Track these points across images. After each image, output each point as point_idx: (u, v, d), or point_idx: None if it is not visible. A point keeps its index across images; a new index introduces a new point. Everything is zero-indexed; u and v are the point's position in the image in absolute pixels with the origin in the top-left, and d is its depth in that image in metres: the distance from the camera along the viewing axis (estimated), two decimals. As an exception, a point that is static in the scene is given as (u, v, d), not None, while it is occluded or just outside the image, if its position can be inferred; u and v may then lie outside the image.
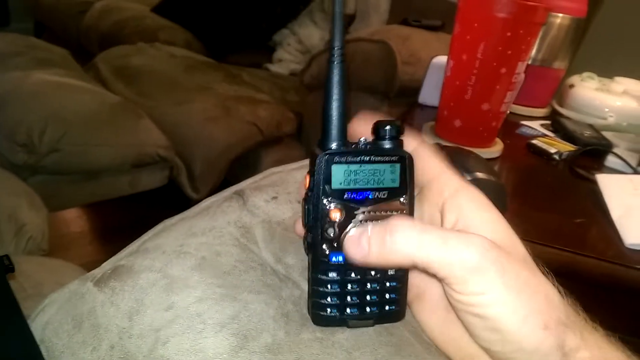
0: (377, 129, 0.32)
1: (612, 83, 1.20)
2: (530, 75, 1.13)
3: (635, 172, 0.91)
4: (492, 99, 0.86)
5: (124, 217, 1.74)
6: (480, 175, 0.68)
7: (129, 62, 1.86)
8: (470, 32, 0.83)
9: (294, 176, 0.48)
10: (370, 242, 0.30)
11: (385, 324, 0.35)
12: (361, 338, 0.33)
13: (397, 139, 0.32)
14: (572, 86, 1.22)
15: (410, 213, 0.33)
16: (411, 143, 0.34)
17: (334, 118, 0.32)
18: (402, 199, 0.32)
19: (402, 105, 1.42)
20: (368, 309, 0.33)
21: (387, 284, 0.33)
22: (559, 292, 0.31)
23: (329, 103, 0.32)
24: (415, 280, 0.35)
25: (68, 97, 1.39)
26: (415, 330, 0.36)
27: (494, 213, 0.32)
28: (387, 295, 0.33)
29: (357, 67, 1.48)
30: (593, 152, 0.98)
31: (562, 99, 1.25)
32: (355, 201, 0.31)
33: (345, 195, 0.31)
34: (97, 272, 0.38)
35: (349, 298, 0.33)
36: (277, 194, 0.45)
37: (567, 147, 0.99)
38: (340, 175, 0.31)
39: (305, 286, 0.36)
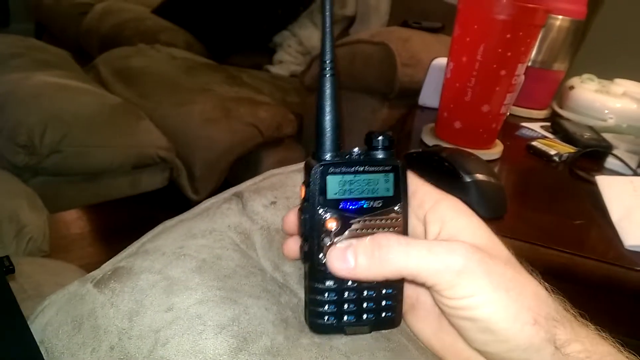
0: (369, 140, 0.33)
1: (612, 85, 1.21)
2: (530, 77, 1.13)
3: (635, 173, 0.91)
4: (492, 100, 0.86)
5: (124, 219, 1.74)
6: (480, 176, 0.68)
7: (129, 64, 1.86)
8: (470, 34, 0.83)
9: (294, 179, 0.48)
10: (357, 256, 0.31)
11: (383, 330, 0.35)
12: (359, 343, 0.34)
13: (389, 149, 0.33)
14: (572, 88, 1.22)
15: (405, 221, 0.33)
16: None
17: (327, 130, 0.33)
18: (396, 208, 0.33)
19: (402, 107, 1.42)
20: (365, 316, 0.33)
21: (384, 291, 0.33)
22: (546, 289, 0.31)
23: (322, 115, 0.33)
24: (407, 292, 0.36)
25: (68, 98, 1.39)
26: (411, 336, 0.37)
27: (474, 219, 0.33)
28: (383, 302, 0.34)
29: (357, 68, 1.48)
30: (593, 153, 0.98)
31: (562, 100, 1.25)
32: (350, 210, 0.32)
33: (341, 205, 0.32)
34: (97, 273, 0.38)
35: (345, 306, 0.33)
36: (275, 199, 0.45)
37: (567, 149, 0.99)
38: (335, 185, 0.32)
39: (302, 295, 0.36)
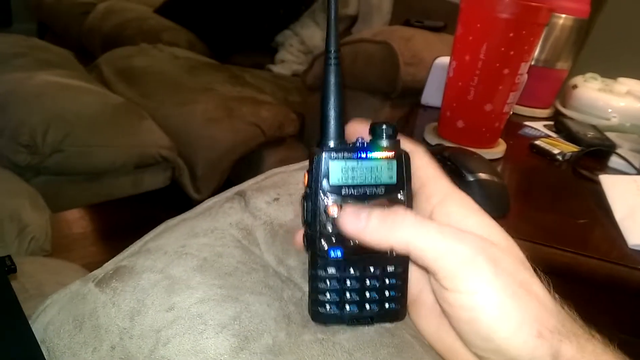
0: (373, 129, 0.33)
1: (616, 84, 1.20)
2: (533, 76, 1.12)
3: (639, 172, 0.90)
4: (494, 99, 0.85)
5: (127, 218, 1.74)
6: (482, 176, 0.68)
7: (131, 63, 1.86)
8: (472, 33, 0.83)
9: (296, 177, 0.48)
10: (369, 219, 0.30)
11: (387, 325, 0.35)
12: (362, 339, 0.33)
13: (393, 138, 0.33)
14: (575, 87, 1.21)
15: (409, 209, 0.33)
16: (406, 147, 0.34)
17: (331, 118, 0.33)
18: (399, 195, 0.32)
19: (405, 106, 1.42)
20: (367, 306, 0.33)
21: (387, 281, 0.33)
22: (555, 298, 0.30)
23: (326, 104, 0.33)
24: (411, 285, 0.35)
25: (71, 98, 1.39)
26: (416, 332, 0.36)
27: (486, 217, 0.32)
28: (386, 293, 0.33)
29: (359, 67, 1.48)
30: (596, 152, 0.97)
31: (565, 99, 1.24)
32: (352, 197, 0.32)
33: (343, 192, 0.32)
34: (99, 272, 0.38)
35: (348, 295, 0.33)
36: (278, 195, 0.45)
37: (570, 148, 0.98)
38: (337, 171, 0.32)
39: (307, 288, 0.35)
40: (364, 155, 0.32)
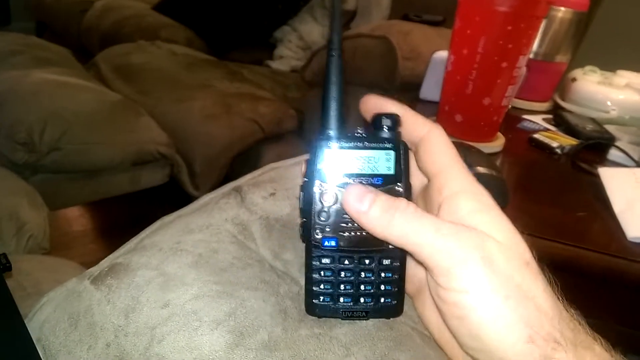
0: (374, 120, 0.33)
1: (615, 76, 1.20)
2: (532, 69, 1.12)
3: (638, 165, 0.90)
4: (493, 93, 0.85)
5: (126, 215, 1.74)
6: (481, 169, 0.68)
7: (129, 60, 1.85)
8: (470, 27, 0.83)
9: (293, 172, 0.47)
10: (372, 204, 0.30)
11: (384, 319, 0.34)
12: (360, 333, 0.33)
13: (394, 130, 0.32)
14: (574, 80, 1.21)
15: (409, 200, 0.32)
16: (422, 127, 0.33)
17: (332, 108, 0.33)
18: (397, 187, 0.32)
19: (403, 100, 1.41)
20: (362, 300, 0.33)
21: (382, 275, 0.33)
22: (559, 302, 0.29)
23: (327, 94, 0.33)
24: (417, 273, 0.34)
25: (68, 95, 1.39)
26: (416, 324, 0.36)
27: (496, 215, 0.30)
28: (382, 287, 0.33)
29: (358, 62, 1.47)
30: (595, 145, 0.97)
31: (564, 92, 1.24)
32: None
33: (340, 181, 0.31)
34: (95, 270, 0.37)
35: (342, 287, 0.32)
36: (275, 190, 0.44)
37: (569, 141, 0.98)
38: (335, 161, 0.31)
39: (303, 282, 0.35)
40: (362, 145, 0.32)
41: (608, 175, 0.80)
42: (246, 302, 0.33)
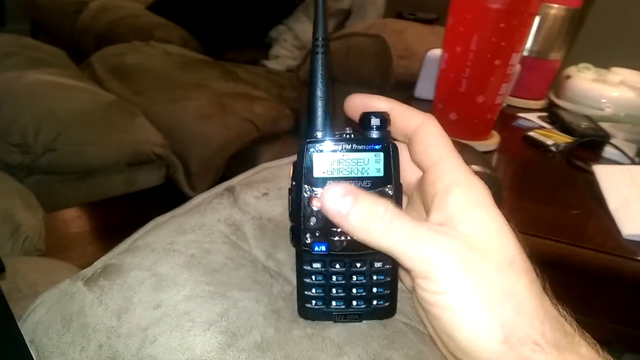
0: (363, 120, 0.32)
1: (609, 73, 1.20)
2: (526, 67, 1.12)
3: (633, 162, 0.90)
4: (486, 91, 0.85)
5: (124, 217, 1.73)
6: (475, 168, 0.68)
7: (124, 61, 1.85)
8: (463, 24, 0.83)
9: (286, 171, 0.47)
10: (352, 208, 0.28)
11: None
12: (353, 332, 0.33)
13: (383, 129, 0.32)
14: (568, 77, 1.21)
15: (398, 203, 0.32)
16: (415, 119, 0.32)
17: (318, 108, 0.32)
18: (387, 189, 0.31)
19: (398, 99, 1.41)
20: (355, 303, 0.32)
21: (374, 278, 0.32)
22: (546, 301, 0.28)
23: (313, 94, 0.32)
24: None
25: (62, 96, 1.38)
26: (411, 320, 0.36)
27: (487, 210, 0.29)
28: (374, 290, 0.33)
29: (352, 61, 1.47)
30: (590, 143, 0.97)
31: (559, 90, 1.24)
32: None
33: (328, 184, 0.31)
34: (88, 271, 0.37)
35: (334, 290, 0.32)
36: (268, 190, 0.44)
37: (564, 139, 0.98)
38: (322, 163, 0.31)
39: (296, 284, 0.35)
40: (350, 147, 0.31)
41: (603, 173, 0.80)
42: (239, 302, 0.33)
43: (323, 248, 0.31)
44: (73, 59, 1.86)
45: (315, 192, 0.31)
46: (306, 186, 0.31)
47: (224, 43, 2.25)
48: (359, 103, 0.33)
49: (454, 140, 0.33)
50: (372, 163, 0.31)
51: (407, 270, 0.29)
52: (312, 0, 2.19)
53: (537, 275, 0.29)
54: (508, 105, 1.19)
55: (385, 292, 0.33)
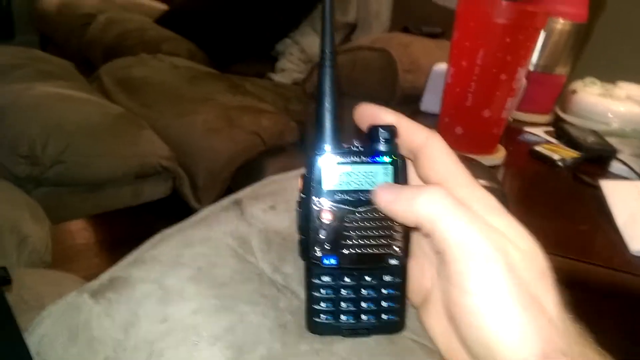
0: (371, 133, 0.32)
1: (615, 88, 1.20)
2: (532, 81, 1.12)
3: (640, 177, 0.90)
4: (492, 105, 0.85)
5: (130, 229, 1.74)
6: (481, 182, 0.67)
7: (131, 74, 1.86)
8: (469, 39, 0.83)
9: (293, 184, 0.47)
10: (403, 190, 0.29)
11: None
12: (360, 348, 0.33)
13: (391, 142, 0.32)
14: (574, 92, 1.21)
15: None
16: (419, 136, 0.32)
17: (326, 121, 0.32)
18: None
19: (404, 113, 1.42)
20: (364, 317, 0.32)
21: (384, 291, 0.32)
22: (567, 316, 0.28)
23: (321, 107, 0.33)
24: (423, 283, 0.34)
25: (70, 108, 1.39)
26: (419, 336, 0.35)
27: (512, 218, 0.30)
28: (383, 304, 0.32)
29: (358, 75, 1.48)
30: (597, 158, 0.97)
31: (565, 105, 1.24)
32: (347, 202, 0.31)
33: (337, 197, 0.31)
34: (94, 283, 0.37)
35: (343, 304, 0.32)
36: (274, 203, 0.44)
37: (570, 154, 0.98)
38: (331, 176, 0.31)
39: (304, 295, 0.35)
40: (359, 160, 0.31)
41: (610, 188, 0.79)
42: (245, 316, 0.33)
43: (333, 261, 0.31)
44: (81, 71, 1.88)
45: (324, 206, 0.31)
46: (315, 199, 0.31)
47: (230, 56, 2.27)
48: (367, 114, 0.33)
49: (460, 154, 0.33)
50: (382, 176, 0.31)
51: (444, 261, 0.28)
52: (319, 14, 2.21)
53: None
54: (514, 120, 1.19)
55: (395, 306, 0.33)
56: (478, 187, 0.31)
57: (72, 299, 0.37)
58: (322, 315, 0.32)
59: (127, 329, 0.32)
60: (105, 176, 1.34)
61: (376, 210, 0.31)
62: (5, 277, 0.43)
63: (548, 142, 1.08)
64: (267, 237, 0.40)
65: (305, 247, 0.32)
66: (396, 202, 0.29)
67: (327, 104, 0.32)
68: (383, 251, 0.32)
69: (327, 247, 0.31)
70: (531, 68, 1.15)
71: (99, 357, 0.32)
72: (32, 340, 0.36)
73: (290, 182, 0.49)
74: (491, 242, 0.27)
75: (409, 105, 1.30)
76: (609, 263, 0.66)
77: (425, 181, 0.33)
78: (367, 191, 0.31)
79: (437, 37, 1.59)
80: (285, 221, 0.42)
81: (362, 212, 0.31)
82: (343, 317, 0.32)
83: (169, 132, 1.53)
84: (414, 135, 0.32)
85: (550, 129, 1.15)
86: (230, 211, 0.43)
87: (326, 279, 0.32)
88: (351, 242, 0.31)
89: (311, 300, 0.32)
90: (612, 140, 1.04)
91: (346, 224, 0.31)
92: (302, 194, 0.32)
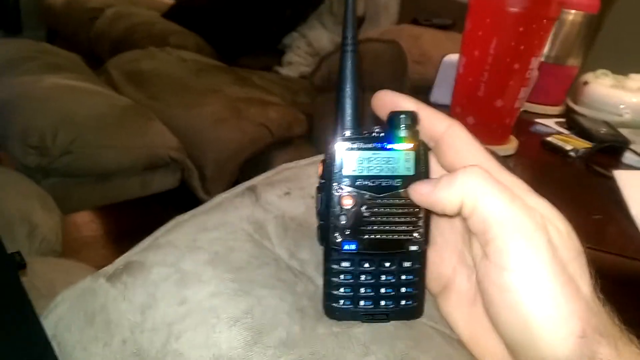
0: (391, 119, 0.31)
1: (627, 80, 1.19)
2: (543, 72, 1.11)
3: (653, 168, 0.89)
4: (505, 95, 0.84)
5: (138, 220, 1.74)
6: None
7: (139, 66, 1.86)
8: (482, 28, 0.82)
9: (307, 171, 0.47)
10: (440, 180, 0.29)
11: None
12: (379, 331, 0.32)
13: (412, 128, 0.31)
14: (586, 83, 1.20)
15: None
16: (440, 124, 0.32)
17: (347, 106, 0.32)
18: None
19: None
20: (383, 303, 0.32)
21: (403, 277, 0.32)
22: (599, 298, 0.28)
23: (342, 92, 0.32)
24: (443, 270, 0.33)
25: (79, 100, 1.40)
26: (437, 323, 0.35)
27: (545, 200, 0.30)
28: (402, 289, 0.32)
29: (367, 67, 1.47)
30: (609, 149, 0.96)
31: (577, 96, 1.23)
32: (368, 188, 0.31)
33: (358, 182, 0.31)
34: (110, 268, 0.37)
35: (362, 290, 0.32)
36: (289, 190, 0.44)
37: (583, 144, 0.97)
38: (352, 162, 0.31)
39: (320, 282, 0.35)
40: (380, 146, 0.31)
41: (624, 178, 0.79)
42: (263, 300, 0.33)
43: (353, 247, 0.31)
44: (89, 65, 1.88)
45: (344, 191, 0.30)
46: (336, 184, 0.31)
47: (237, 50, 2.26)
48: (387, 101, 0.33)
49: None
50: (403, 162, 0.31)
51: (483, 241, 0.28)
52: (326, 8, 2.20)
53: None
54: (525, 111, 1.18)
55: (414, 292, 0.32)
56: (508, 172, 0.30)
57: (88, 283, 0.37)
58: (340, 301, 0.32)
59: (145, 311, 0.32)
60: (113, 167, 1.35)
61: (397, 196, 0.31)
62: (20, 261, 0.43)
63: (560, 132, 1.07)
64: (283, 223, 0.40)
65: (325, 233, 0.31)
66: (436, 191, 0.29)
67: (349, 89, 0.32)
68: (403, 237, 0.31)
69: (346, 232, 0.31)
70: (543, 59, 1.14)
71: (115, 339, 0.32)
72: (48, 324, 0.36)
73: (303, 169, 0.48)
74: (533, 220, 0.27)
75: (418, 96, 1.29)
76: (624, 251, 0.65)
77: (449, 170, 0.32)
78: (388, 177, 0.31)
79: (447, 28, 1.58)
80: (301, 207, 0.42)
81: (383, 197, 0.31)
82: (362, 303, 0.32)
83: (177, 124, 1.53)
84: (435, 124, 0.32)
85: (562, 120, 1.14)
86: (245, 197, 0.43)
87: (345, 264, 0.31)
88: (371, 228, 0.31)
89: (330, 285, 0.32)
90: (625, 132, 1.03)
91: (366, 210, 0.31)
92: (322, 180, 0.32)
